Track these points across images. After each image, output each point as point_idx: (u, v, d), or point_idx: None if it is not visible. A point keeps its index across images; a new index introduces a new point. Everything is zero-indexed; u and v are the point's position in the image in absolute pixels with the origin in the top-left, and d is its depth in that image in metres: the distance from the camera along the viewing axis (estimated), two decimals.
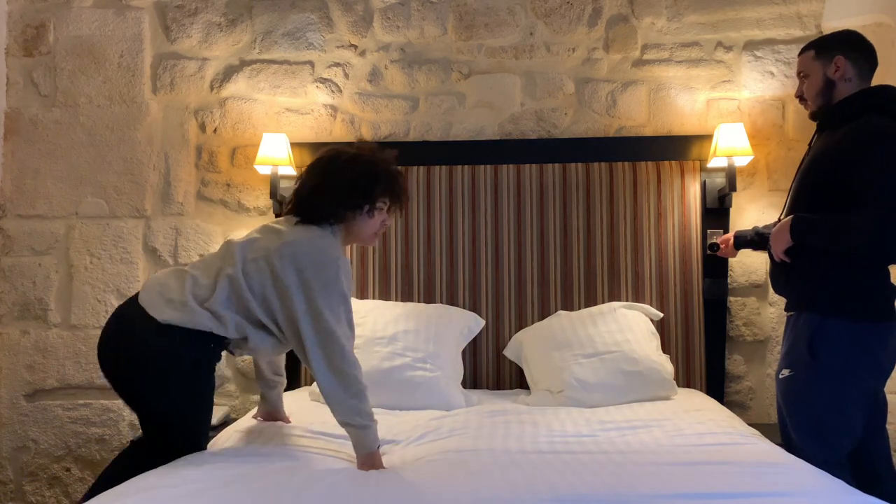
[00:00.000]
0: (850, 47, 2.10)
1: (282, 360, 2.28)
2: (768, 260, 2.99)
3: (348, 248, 2.89)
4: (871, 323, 1.98)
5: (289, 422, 2.25)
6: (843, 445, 2.01)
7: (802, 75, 2.18)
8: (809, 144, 2.21)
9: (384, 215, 2.08)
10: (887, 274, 2.05)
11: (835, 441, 2.01)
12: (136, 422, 3.09)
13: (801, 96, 2.21)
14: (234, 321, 1.94)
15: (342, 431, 1.96)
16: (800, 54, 2.22)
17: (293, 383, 2.90)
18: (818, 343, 2.00)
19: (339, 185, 1.99)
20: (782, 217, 2.20)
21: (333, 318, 1.89)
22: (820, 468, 1.77)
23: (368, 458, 1.87)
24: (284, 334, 1.96)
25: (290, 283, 1.90)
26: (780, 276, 2.19)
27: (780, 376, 2.11)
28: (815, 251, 2.03)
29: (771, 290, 3.01)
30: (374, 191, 2.01)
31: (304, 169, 2.10)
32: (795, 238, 2.02)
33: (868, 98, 2.04)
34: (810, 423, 2.03)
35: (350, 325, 1.96)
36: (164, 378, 1.93)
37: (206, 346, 1.96)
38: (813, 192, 2.07)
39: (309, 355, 1.89)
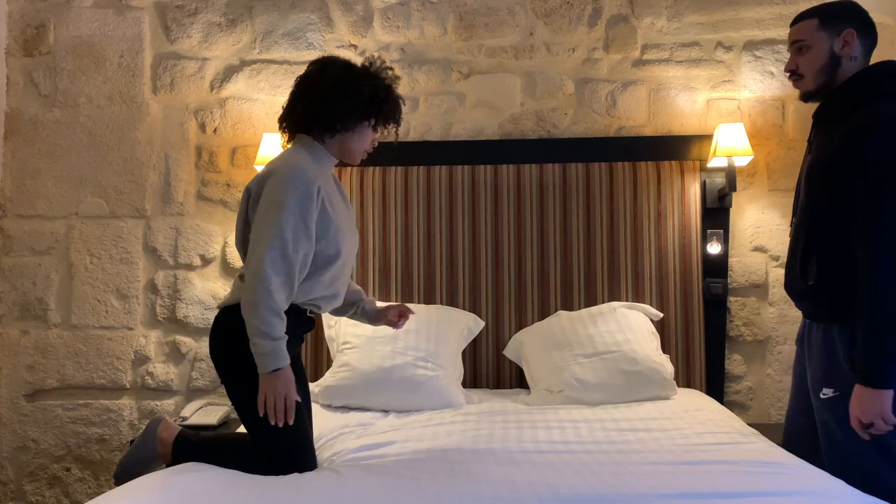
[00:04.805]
0: (861, 21, 1.82)
1: (346, 286, 2.10)
2: (769, 261, 3.03)
3: None
4: None
5: (412, 312, 2.24)
6: None
7: (800, 46, 1.88)
8: (809, 141, 1.97)
9: (375, 132, 2.01)
10: None
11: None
12: (137, 422, 3.12)
13: (794, 70, 1.90)
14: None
15: (342, 430, 1.95)
16: (797, 21, 1.91)
17: None
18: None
19: (356, 92, 1.89)
20: (793, 221, 1.97)
21: (283, 224, 1.77)
22: (891, 480, 1.71)
23: (265, 381, 1.75)
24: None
25: (258, 191, 1.85)
26: (801, 284, 1.94)
27: (822, 396, 1.89)
28: (838, 258, 1.81)
29: (771, 291, 3.03)
30: (381, 107, 1.93)
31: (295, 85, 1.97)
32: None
33: (873, 80, 1.75)
34: (873, 439, 1.80)
35: (293, 245, 1.78)
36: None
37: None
38: (828, 201, 1.83)
39: (249, 252, 1.82)
